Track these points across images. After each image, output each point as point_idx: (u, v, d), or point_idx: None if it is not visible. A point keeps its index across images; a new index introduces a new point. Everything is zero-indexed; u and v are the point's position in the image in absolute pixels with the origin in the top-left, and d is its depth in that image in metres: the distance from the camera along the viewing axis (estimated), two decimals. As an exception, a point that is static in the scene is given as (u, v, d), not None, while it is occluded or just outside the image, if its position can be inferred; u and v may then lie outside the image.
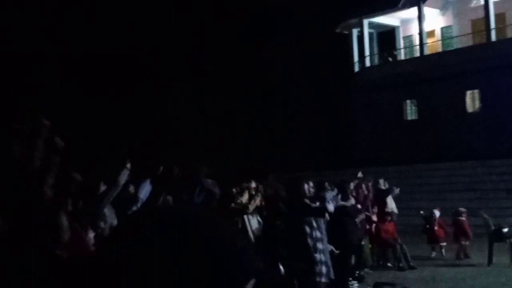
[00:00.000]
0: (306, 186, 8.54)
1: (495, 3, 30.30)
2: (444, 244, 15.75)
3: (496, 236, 14.22)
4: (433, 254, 15.67)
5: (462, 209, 16.00)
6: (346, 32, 37.58)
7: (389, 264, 14.33)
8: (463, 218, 15.68)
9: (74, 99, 37.21)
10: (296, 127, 40.19)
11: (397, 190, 14.86)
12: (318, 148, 35.29)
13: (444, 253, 15.62)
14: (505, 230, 14.46)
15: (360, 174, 13.97)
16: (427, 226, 15.83)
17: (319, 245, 8.47)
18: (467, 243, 15.40)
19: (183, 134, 37.88)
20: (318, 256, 8.30)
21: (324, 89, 39.82)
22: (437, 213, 16.07)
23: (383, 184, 15.10)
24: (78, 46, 40.40)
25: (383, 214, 14.17)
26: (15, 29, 38.02)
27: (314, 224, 8.50)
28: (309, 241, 8.16)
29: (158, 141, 36.83)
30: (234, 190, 10.24)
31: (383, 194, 14.49)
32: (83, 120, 36.09)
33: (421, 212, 16.64)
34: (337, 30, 37.96)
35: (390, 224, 14.26)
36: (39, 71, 37.81)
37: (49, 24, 38.86)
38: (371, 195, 13.66)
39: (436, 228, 15.68)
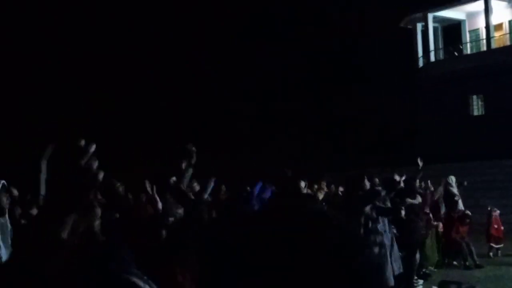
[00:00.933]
0: (367, 182, 8.56)
1: None
2: (500, 246, 15.39)
3: None
4: (491, 254, 15.32)
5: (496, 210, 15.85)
6: (410, 27, 37.02)
7: (455, 263, 14.14)
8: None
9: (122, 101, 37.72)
10: (360, 124, 39.93)
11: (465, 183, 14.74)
12: (382, 144, 34.95)
13: (499, 254, 15.24)
14: None
15: (420, 163, 13.76)
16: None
17: (378, 238, 8.46)
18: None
19: (242, 135, 38.13)
20: (376, 249, 8.29)
21: (389, 85, 39.38)
22: (496, 211, 15.81)
23: (453, 182, 14.82)
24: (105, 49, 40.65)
25: (459, 216, 13.98)
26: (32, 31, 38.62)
27: (374, 216, 8.53)
28: (363, 231, 8.13)
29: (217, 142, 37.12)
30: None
31: (454, 195, 14.29)
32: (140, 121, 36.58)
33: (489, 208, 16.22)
34: (401, 25, 37.44)
35: (466, 227, 14.09)
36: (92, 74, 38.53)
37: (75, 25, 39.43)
38: (437, 194, 13.51)
39: (493, 227, 15.43)
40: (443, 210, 14.05)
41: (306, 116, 41.29)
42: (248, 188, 8.89)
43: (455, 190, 14.32)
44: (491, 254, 15.25)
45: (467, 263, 13.66)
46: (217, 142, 36.02)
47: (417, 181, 12.68)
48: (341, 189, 12.94)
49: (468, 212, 14.27)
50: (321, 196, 10.37)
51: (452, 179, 14.91)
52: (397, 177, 10.35)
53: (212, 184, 7.97)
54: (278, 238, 0.98)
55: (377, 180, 9.93)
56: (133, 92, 40.43)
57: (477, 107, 32.95)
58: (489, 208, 16.11)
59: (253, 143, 37.25)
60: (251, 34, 42.90)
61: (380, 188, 9.16)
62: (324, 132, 39.21)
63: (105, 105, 38.08)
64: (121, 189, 8.02)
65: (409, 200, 10.22)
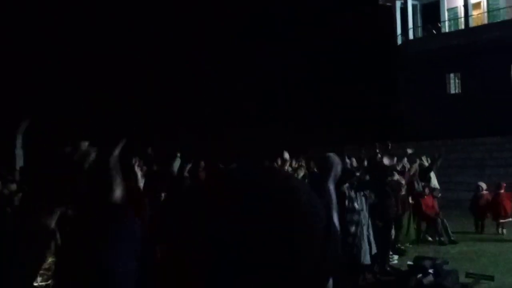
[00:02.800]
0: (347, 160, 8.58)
1: (545, -27, 29.45)
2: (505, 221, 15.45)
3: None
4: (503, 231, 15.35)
5: (483, 185, 16.01)
6: (389, 4, 37.02)
7: (430, 239, 14.32)
8: (502, 191, 15.65)
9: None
10: (340, 102, 40.03)
11: (440, 159, 14.87)
12: (363, 122, 35.14)
13: (503, 231, 15.29)
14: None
15: (410, 151, 13.88)
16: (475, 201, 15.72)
17: (355, 217, 8.51)
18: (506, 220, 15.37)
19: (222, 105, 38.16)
20: (352, 228, 8.35)
21: (368, 62, 39.46)
22: (483, 186, 15.98)
23: (425, 161, 15.03)
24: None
25: (424, 189, 14.16)
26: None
27: (352, 195, 8.57)
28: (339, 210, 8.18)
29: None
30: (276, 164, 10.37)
31: (427, 170, 14.44)
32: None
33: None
34: (380, 2, 37.42)
35: (429, 199, 14.22)
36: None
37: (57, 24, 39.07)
38: (412, 171, 13.63)
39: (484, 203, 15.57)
40: (418, 187, 14.20)
41: (292, 93, 41.34)
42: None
43: (431, 166, 14.46)
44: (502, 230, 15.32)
45: (442, 239, 13.85)
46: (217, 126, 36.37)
47: (395, 159, 12.82)
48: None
49: (437, 187, 14.43)
50: (301, 173, 10.40)
51: (425, 158, 15.10)
52: (386, 161, 10.44)
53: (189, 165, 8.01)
54: (275, 233, 0.94)
55: (353, 159, 9.99)
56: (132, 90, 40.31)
57: (454, 86, 33.17)
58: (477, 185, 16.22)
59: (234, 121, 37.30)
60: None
61: (355, 167, 9.22)
62: (310, 108, 39.33)
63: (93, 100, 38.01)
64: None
65: (389, 178, 10.32)
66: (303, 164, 11.85)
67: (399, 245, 12.66)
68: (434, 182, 14.52)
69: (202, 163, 11.77)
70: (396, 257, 11.90)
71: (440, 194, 14.73)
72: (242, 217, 0.93)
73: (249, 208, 0.93)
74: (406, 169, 13.28)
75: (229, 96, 39.84)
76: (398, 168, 12.21)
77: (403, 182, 12.53)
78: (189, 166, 8.89)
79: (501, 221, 15.19)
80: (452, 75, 33.03)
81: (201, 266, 0.93)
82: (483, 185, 16.03)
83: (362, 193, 8.89)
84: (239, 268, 0.91)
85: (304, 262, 0.93)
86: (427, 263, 9.60)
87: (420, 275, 9.27)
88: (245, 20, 43.04)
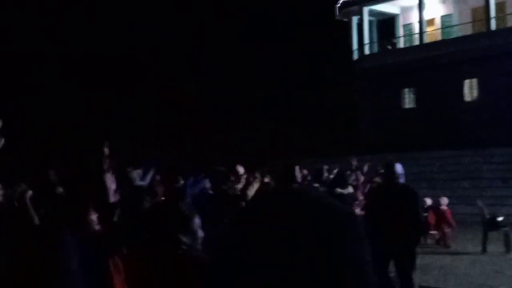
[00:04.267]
0: (299, 172, 8.56)
1: (495, -9, 30.30)
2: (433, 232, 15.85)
3: (491, 225, 14.38)
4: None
5: (444, 199, 16.34)
6: (346, 20, 37.54)
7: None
8: (445, 207, 16.00)
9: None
10: (300, 115, 40.39)
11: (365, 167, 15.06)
12: (322, 135, 35.51)
13: (448, 244, 15.58)
14: (500, 219, 14.60)
15: (355, 162, 14.04)
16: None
17: None
18: (449, 230, 15.72)
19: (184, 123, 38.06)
20: None
21: (325, 77, 39.96)
22: (428, 201, 16.28)
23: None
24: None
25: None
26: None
27: None
28: None
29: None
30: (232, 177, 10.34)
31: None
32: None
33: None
34: (337, 18, 37.92)
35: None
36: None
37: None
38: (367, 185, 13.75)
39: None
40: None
41: (253, 105, 41.49)
42: (182, 180, 8.85)
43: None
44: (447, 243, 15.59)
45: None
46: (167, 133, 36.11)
47: (349, 173, 12.93)
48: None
49: None
50: (256, 186, 10.31)
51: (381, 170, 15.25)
52: (325, 168, 10.54)
53: (151, 173, 7.94)
54: (276, 233, 0.94)
55: (305, 171, 10.06)
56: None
57: (409, 100, 33.73)
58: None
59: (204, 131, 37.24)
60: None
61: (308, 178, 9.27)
62: (268, 121, 39.50)
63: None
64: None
65: (338, 190, 10.38)
66: (258, 176, 11.80)
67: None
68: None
69: (158, 177, 11.67)
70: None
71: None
72: (244, 219, 0.94)
73: (252, 210, 0.95)
74: (360, 182, 13.40)
75: (182, 108, 39.72)
76: (349, 181, 12.30)
77: (359, 195, 12.65)
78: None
79: (446, 230, 15.61)
80: (407, 90, 33.59)
81: (201, 266, 0.95)
82: (428, 200, 16.35)
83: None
84: (239, 268, 0.92)
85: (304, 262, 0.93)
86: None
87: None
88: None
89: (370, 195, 8.93)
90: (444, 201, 16.20)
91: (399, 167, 7.86)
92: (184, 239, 3.20)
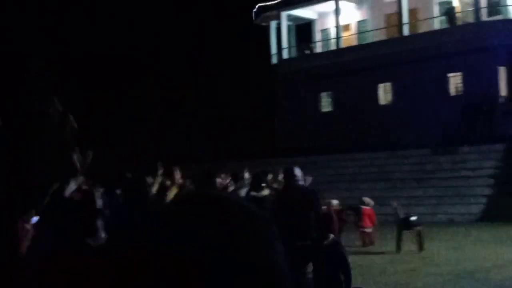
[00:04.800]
0: (219, 179, 8.59)
1: (407, -2, 31.32)
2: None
3: (405, 225, 14.78)
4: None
5: (366, 199, 16.71)
6: (265, 24, 37.86)
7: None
8: (366, 207, 16.38)
9: None
10: (220, 118, 40.38)
11: (309, 179, 15.17)
12: (242, 138, 35.61)
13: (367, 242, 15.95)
14: (413, 218, 15.04)
15: (246, 174, 14.05)
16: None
17: None
18: (370, 230, 16.10)
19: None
20: None
21: (245, 80, 40.14)
22: (334, 202, 16.58)
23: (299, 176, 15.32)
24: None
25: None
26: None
27: None
28: None
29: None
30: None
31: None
32: None
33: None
34: (256, 22, 38.19)
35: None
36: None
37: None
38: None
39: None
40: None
41: (172, 109, 41.10)
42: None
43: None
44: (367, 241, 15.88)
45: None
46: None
47: (268, 175, 12.95)
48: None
49: None
50: (174, 190, 10.20)
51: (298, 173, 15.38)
52: (246, 173, 10.56)
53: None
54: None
55: (223, 175, 10.02)
56: None
57: (326, 104, 34.34)
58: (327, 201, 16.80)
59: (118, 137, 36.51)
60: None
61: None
62: (187, 124, 39.24)
63: None
64: None
65: (252, 193, 10.38)
66: (177, 180, 11.64)
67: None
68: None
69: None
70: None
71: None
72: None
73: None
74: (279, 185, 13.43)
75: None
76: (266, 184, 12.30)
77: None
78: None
79: (366, 230, 16.00)
80: (324, 93, 34.20)
81: (201, 266, 0.92)
82: (334, 201, 16.68)
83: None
84: (239, 268, 0.91)
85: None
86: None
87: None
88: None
89: (273, 198, 9.31)
90: (334, 203, 16.55)
91: (298, 171, 8.39)
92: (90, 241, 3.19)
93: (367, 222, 16.30)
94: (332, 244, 8.51)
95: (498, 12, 29.77)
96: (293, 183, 8.39)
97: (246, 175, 10.81)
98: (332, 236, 8.76)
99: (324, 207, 16.16)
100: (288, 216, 7.81)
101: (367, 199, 16.88)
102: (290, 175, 8.45)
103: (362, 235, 16.28)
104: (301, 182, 8.58)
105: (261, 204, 9.60)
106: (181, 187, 11.30)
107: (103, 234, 3.37)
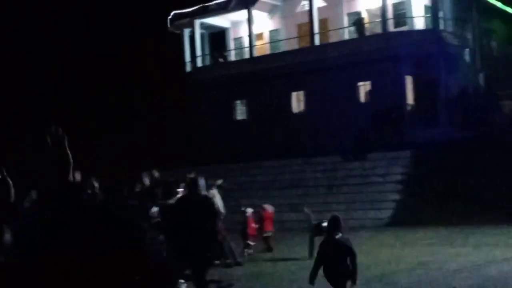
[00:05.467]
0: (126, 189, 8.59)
1: (319, 9, 31.91)
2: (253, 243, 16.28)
3: (316, 231, 14.97)
4: (248, 252, 15.93)
5: (266, 205, 17.11)
6: (178, 32, 37.64)
7: (216, 262, 14.53)
8: (268, 211, 16.73)
9: None
10: (135, 126, 39.79)
11: (219, 181, 15.21)
12: (159, 146, 35.21)
13: (249, 252, 16.00)
14: (325, 224, 15.23)
15: (156, 174, 13.99)
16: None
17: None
18: (269, 234, 16.38)
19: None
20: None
21: (160, 89, 39.75)
22: (249, 210, 16.72)
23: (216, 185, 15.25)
24: None
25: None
26: None
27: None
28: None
29: None
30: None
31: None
32: None
33: (243, 208, 17.07)
34: (169, 30, 37.92)
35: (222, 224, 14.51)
36: None
37: None
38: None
39: (250, 227, 16.35)
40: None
41: (89, 118, 40.18)
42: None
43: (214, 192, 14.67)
44: (248, 252, 15.91)
45: (228, 261, 14.15)
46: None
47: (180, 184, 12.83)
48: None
49: (221, 210, 14.80)
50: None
51: (218, 182, 15.37)
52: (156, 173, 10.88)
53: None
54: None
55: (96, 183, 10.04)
56: None
57: (240, 112, 34.49)
58: (242, 209, 16.91)
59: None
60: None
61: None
62: (103, 133, 38.45)
63: None
64: None
65: (160, 201, 10.35)
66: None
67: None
68: (219, 204, 14.77)
69: None
70: (183, 281, 11.88)
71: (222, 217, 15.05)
72: None
73: None
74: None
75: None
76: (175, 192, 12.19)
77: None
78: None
79: (264, 236, 16.53)
80: (238, 101, 34.34)
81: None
82: (249, 209, 16.84)
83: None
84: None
85: None
86: (212, 286, 9.71)
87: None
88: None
89: (174, 206, 9.59)
90: (249, 211, 16.77)
91: (201, 181, 9.27)
92: None
93: (268, 226, 16.65)
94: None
95: (404, 23, 30.89)
96: (194, 192, 8.98)
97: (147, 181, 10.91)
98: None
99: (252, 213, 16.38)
100: (186, 222, 8.53)
101: (266, 205, 17.31)
102: (193, 185, 9.00)
103: (264, 240, 16.57)
104: (203, 192, 9.49)
105: (170, 211, 9.57)
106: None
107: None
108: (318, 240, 15.09)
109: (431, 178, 23.04)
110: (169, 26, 37.53)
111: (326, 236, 8.31)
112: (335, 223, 8.22)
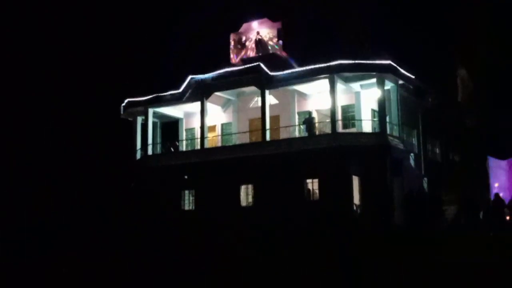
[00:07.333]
0: None
1: (271, 106, 32.59)
2: None
3: None
4: None
5: None
6: (131, 119, 37.78)
7: None
8: None
9: None
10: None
11: None
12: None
13: None
14: None
15: None
16: None
17: None
18: None
19: None
20: None
21: (109, 175, 39.39)
22: None
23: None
24: None
25: None
26: None
27: None
28: None
29: None
30: None
31: None
32: None
33: None
34: (123, 116, 38.04)
35: None
36: None
37: None
38: None
39: None
40: None
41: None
42: None
43: None
44: None
45: None
46: None
47: None
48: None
49: None
50: None
51: None
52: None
53: None
54: None
55: None
56: None
57: (188, 202, 34.21)
58: None
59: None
60: None
61: None
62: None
63: None
64: None
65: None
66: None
67: None
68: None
69: None
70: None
71: None
72: None
73: None
74: None
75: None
76: None
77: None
78: None
79: None
80: (187, 191, 34.12)
81: None
82: None
83: None
84: None
85: None
86: None
87: None
88: None
89: None
90: None
91: None
92: None
93: None
94: None
95: (353, 125, 31.73)
96: None
97: None
98: None
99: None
100: None
101: None
102: None
103: None
104: None
105: None
106: None
107: None
108: None
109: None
110: (122, 112, 37.68)
111: None
112: None
